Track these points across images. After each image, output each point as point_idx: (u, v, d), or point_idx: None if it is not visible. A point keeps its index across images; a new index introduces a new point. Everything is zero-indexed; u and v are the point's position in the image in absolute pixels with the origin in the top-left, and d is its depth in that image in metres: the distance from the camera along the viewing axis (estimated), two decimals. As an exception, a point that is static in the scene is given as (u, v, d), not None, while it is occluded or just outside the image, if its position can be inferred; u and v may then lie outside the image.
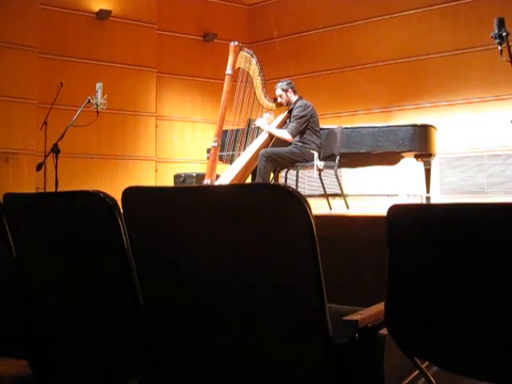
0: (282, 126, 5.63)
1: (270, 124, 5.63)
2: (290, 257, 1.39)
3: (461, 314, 1.33)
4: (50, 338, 1.96)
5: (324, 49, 10.05)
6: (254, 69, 5.64)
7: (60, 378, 2.00)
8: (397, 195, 8.40)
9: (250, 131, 5.71)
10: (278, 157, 5.33)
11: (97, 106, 6.35)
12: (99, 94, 6.38)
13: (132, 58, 9.63)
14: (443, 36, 8.84)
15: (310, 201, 1.39)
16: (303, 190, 8.19)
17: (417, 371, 1.48)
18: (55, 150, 5.94)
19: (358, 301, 1.70)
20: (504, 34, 4.44)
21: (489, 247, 1.27)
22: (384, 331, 1.45)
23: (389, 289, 1.42)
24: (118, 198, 1.64)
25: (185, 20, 10.33)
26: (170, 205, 1.60)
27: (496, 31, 4.48)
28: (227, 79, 5.53)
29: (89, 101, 6.34)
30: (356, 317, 1.45)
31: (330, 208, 5.67)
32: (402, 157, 6.31)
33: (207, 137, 9.34)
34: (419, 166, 6.41)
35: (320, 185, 5.62)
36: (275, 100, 5.69)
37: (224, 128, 5.65)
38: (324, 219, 3.93)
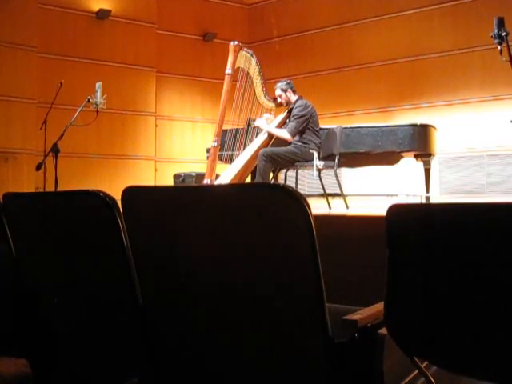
0: (281, 125, 5.63)
1: (269, 124, 5.63)
2: (289, 256, 1.39)
3: (460, 314, 1.33)
4: (49, 337, 1.96)
5: (323, 49, 10.05)
6: (253, 68, 5.63)
7: (60, 377, 2.00)
8: (396, 195, 8.40)
9: (250, 131, 5.71)
10: (278, 156, 5.33)
11: (96, 105, 6.35)
12: (99, 94, 6.38)
13: (132, 58, 9.63)
14: (442, 36, 8.84)
15: (310, 200, 1.39)
16: (303, 189, 8.19)
17: (416, 371, 1.48)
18: (55, 149, 5.94)
19: (357, 300, 1.71)
20: (503, 33, 4.44)
21: (488, 247, 1.27)
22: (383, 331, 1.45)
23: (388, 288, 1.42)
24: (118, 197, 1.64)
25: (184, 20, 10.33)
26: (170, 204, 1.61)
27: (495, 31, 4.47)
28: (227, 79, 5.53)
29: (88, 100, 6.34)
30: (355, 316, 1.45)
31: (330, 208, 5.67)
32: (402, 157, 6.31)
33: (207, 136, 9.35)
34: (419, 165, 6.41)
35: (319, 184, 5.62)
36: (275, 100, 5.69)
37: (224, 128, 5.65)
38: (323, 219, 3.93)
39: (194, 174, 8.13)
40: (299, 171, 6.09)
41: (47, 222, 1.88)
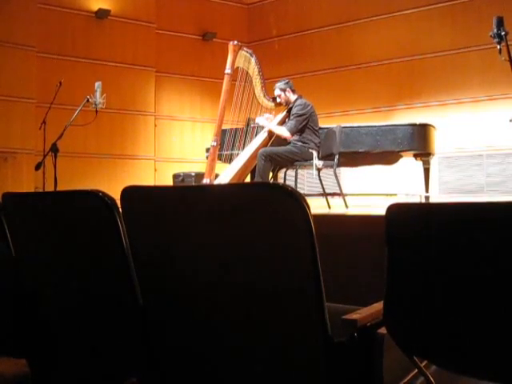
0: (281, 125, 5.63)
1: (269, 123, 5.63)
2: (288, 256, 1.39)
3: (460, 313, 1.33)
4: (49, 337, 1.96)
5: (323, 48, 10.05)
6: (253, 68, 5.64)
7: (59, 377, 2.00)
8: (396, 194, 8.41)
9: (249, 130, 5.71)
10: (277, 156, 5.33)
11: (96, 105, 6.35)
12: (98, 94, 6.39)
13: (131, 58, 9.63)
14: (442, 35, 8.84)
15: (309, 200, 1.39)
16: (302, 189, 8.19)
17: (416, 370, 1.48)
18: (54, 149, 5.94)
19: (356, 300, 1.71)
20: (503, 33, 4.44)
21: (488, 246, 1.27)
22: (383, 330, 1.45)
23: (387, 288, 1.42)
24: (117, 197, 1.64)
25: (184, 19, 10.33)
26: (169, 204, 1.61)
27: (495, 30, 4.48)
28: (226, 78, 5.53)
29: (88, 100, 6.35)
30: (355, 316, 1.45)
31: (329, 207, 5.68)
32: (401, 156, 6.31)
33: (206, 136, 9.35)
34: (418, 165, 6.41)
35: (319, 184, 5.62)
36: (274, 99, 5.69)
37: (223, 127, 5.66)
38: (323, 218, 3.93)
39: (193, 174, 8.13)
40: (298, 171, 6.09)
41: (46, 221, 1.88)
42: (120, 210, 1.63)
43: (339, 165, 5.57)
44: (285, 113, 5.71)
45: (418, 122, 6.17)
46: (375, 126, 6.12)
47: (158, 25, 9.96)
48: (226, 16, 10.76)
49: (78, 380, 1.95)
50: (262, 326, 1.48)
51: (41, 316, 1.97)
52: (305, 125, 5.47)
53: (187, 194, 1.61)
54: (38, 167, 5.98)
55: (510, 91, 8.02)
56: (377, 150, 6.06)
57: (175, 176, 8.35)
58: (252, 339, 1.52)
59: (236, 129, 5.84)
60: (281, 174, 6.19)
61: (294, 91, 5.69)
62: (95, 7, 9.32)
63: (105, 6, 9.35)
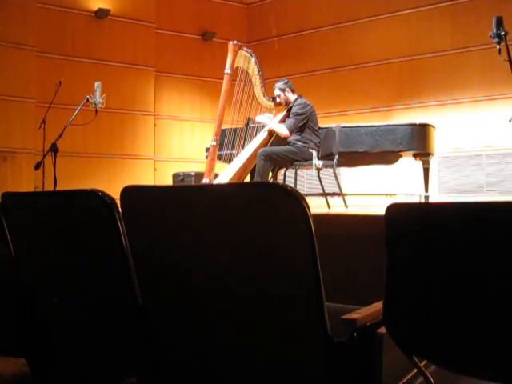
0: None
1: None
2: (288, 256, 1.39)
3: (459, 313, 1.33)
4: (48, 336, 1.96)
5: (322, 48, 10.05)
6: (252, 68, 5.64)
7: (59, 377, 2.00)
8: (395, 194, 8.41)
9: (249, 130, 5.71)
10: (277, 156, 5.33)
11: (95, 105, 6.35)
12: (98, 93, 6.38)
13: (130, 57, 9.63)
14: (441, 35, 8.84)
15: (309, 200, 1.39)
16: (302, 188, 8.19)
17: (415, 370, 1.48)
18: (54, 149, 5.94)
19: (356, 300, 1.71)
20: (502, 33, 4.45)
21: (487, 246, 1.27)
22: (382, 330, 1.45)
23: (387, 287, 1.42)
24: (117, 197, 1.64)
25: (183, 19, 10.33)
26: (169, 204, 1.61)
27: (494, 30, 4.48)
28: (226, 78, 5.53)
29: (87, 100, 6.34)
30: (354, 316, 1.45)
31: (329, 207, 5.67)
32: (401, 156, 6.31)
33: (206, 136, 9.35)
34: (418, 165, 6.41)
35: (318, 184, 5.62)
36: (274, 99, 5.69)
37: (223, 127, 5.65)
38: (322, 218, 3.93)
39: (193, 174, 8.12)
40: (298, 170, 6.09)
41: (46, 221, 1.88)
42: (120, 209, 1.63)
43: (339, 165, 5.57)
44: (284, 112, 5.71)
45: (417, 122, 6.17)
46: (375, 126, 6.12)
47: (157, 24, 9.96)
48: (225, 16, 10.76)
49: (78, 379, 1.96)
50: (262, 325, 1.48)
51: (40, 315, 1.97)
52: (304, 124, 5.47)
53: (187, 193, 1.61)
54: (37, 167, 5.98)
55: (510, 91, 8.02)
56: (376, 150, 6.06)
57: (175, 176, 8.35)
58: (252, 339, 1.52)
59: (236, 128, 5.84)
60: (280, 174, 6.19)
61: (293, 91, 5.69)
62: (95, 7, 9.32)
63: (104, 6, 9.35)
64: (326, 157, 5.47)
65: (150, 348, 1.68)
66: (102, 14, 9.32)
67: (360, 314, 1.47)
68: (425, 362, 1.45)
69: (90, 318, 1.83)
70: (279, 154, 5.34)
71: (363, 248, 3.09)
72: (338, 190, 5.69)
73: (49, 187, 6.20)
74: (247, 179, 5.66)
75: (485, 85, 8.35)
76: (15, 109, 8.37)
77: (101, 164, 9.23)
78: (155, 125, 9.97)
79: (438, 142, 6.55)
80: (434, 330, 1.38)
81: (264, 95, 5.66)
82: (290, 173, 6.20)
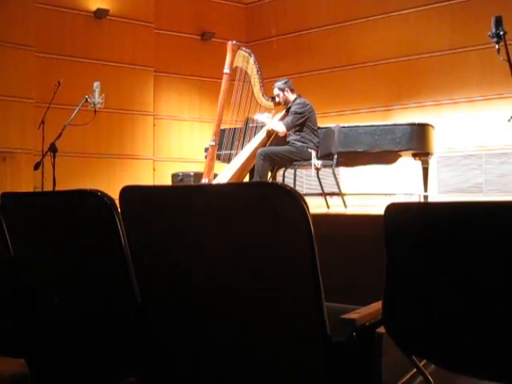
0: (279, 124, 5.64)
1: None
2: (287, 255, 1.39)
3: (458, 312, 1.33)
4: (47, 336, 1.96)
5: (321, 48, 10.05)
6: (251, 68, 5.63)
7: (58, 377, 2.00)
8: (394, 194, 8.41)
9: (248, 130, 5.71)
10: (276, 156, 5.33)
11: (94, 105, 6.35)
12: (97, 93, 6.38)
13: (129, 57, 9.62)
14: (440, 35, 8.84)
15: (308, 199, 1.39)
16: (301, 188, 8.19)
17: (414, 369, 1.48)
18: (53, 149, 5.94)
19: (356, 299, 1.71)
20: (501, 32, 4.45)
21: (486, 246, 1.27)
22: (382, 329, 1.45)
23: (386, 287, 1.42)
24: (116, 197, 1.64)
25: (182, 19, 10.33)
26: (168, 204, 1.61)
27: (493, 30, 4.48)
28: (225, 78, 5.53)
29: (86, 100, 6.35)
30: (354, 315, 1.45)
31: (328, 207, 5.67)
32: (400, 156, 6.31)
33: (205, 136, 9.34)
34: (417, 164, 6.41)
35: (318, 184, 5.62)
36: (273, 99, 5.69)
37: (222, 127, 5.65)
38: (322, 218, 3.93)
39: (192, 174, 8.12)
40: (297, 170, 6.09)
41: (45, 221, 1.88)
42: (119, 209, 1.63)
43: (338, 164, 5.57)
44: (284, 112, 5.71)
45: (416, 122, 6.17)
46: (374, 126, 6.12)
47: (156, 24, 9.95)
48: (224, 16, 10.75)
49: (77, 379, 1.95)
50: (262, 325, 1.48)
51: (39, 315, 1.97)
52: (303, 124, 5.47)
53: (186, 193, 1.61)
54: (36, 167, 5.98)
55: (508, 91, 8.02)
56: (375, 150, 6.06)
57: (174, 176, 8.34)
58: (251, 339, 1.52)
59: (235, 128, 5.84)
60: (279, 174, 6.19)
61: (292, 91, 5.69)
62: (94, 7, 9.32)
63: (103, 6, 9.34)
64: (325, 157, 5.47)
65: (149, 348, 1.68)
66: (100, 14, 9.31)
67: (359, 313, 1.47)
68: (424, 361, 1.45)
69: (89, 318, 1.83)
70: (278, 154, 5.34)
71: (362, 248, 3.09)
72: (337, 190, 5.69)
73: (48, 187, 6.20)
74: (246, 179, 5.66)
75: (484, 85, 8.35)
76: (14, 109, 8.37)
77: (100, 164, 9.23)
78: (154, 125, 9.97)
79: (438, 142, 6.55)
80: (434, 330, 1.38)
81: (263, 95, 5.66)
82: (289, 173, 6.20)
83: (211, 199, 1.53)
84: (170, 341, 1.68)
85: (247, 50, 5.68)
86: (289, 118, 5.48)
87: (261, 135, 5.60)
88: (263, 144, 5.52)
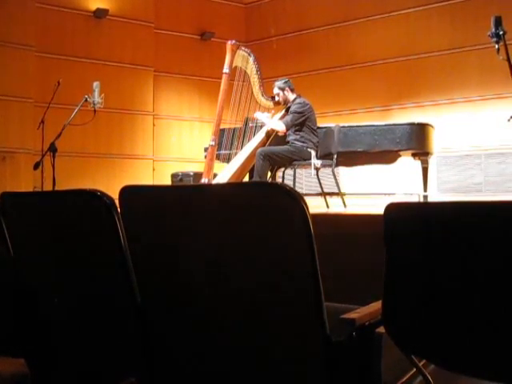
0: (278, 123, 5.64)
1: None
2: (287, 255, 1.39)
3: (458, 312, 1.33)
4: (47, 336, 1.96)
5: (321, 47, 10.05)
6: (251, 67, 5.64)
7: (58, 376, 2.00)
8: (394, 194, 8.41)
9: (248, 130, 5.71)
10: (276, 155, 5.34)
11: (94, 104, 6.35)
12: (96, 93, 6.39)
13: (129, 57, 9.62)
14: (440, 35, 8.84)
15: (308, 199, 1.39)
16: (300, 188, 8.18)
17: (414, 369, 1.48)
18: (52, 148, 5.94)
19: (355, 299, 1.71)
20: (501, 32, 4.45)
21: (486, 245, 1.27)
22: (381, 329, 1.45)
23: (386, 287, 1.42)
24: (116, 196, 1.64)
25: (182, 19, 10.32)
26: (168, 204, 1.61)
27: (493, 30, 4.48)
28: (224, 78, 5.53)
29: (86, 100, 6.35)
30: (353, 315, 1.45)
31: (328, 206, 5.67)
32: (400, 155, 6.31)
33: (204, 136, 9.34)
34: (417, 164, 6.41)
35: (317, 183, 5.62)
36: (272, 98, 5.70)
37: (221, 127, 5.65)
38: (321, 218, 3.93)
39: (191, 174, 8.12)
40: (297, 170, 6.09)
41: (45, 221, 1.88)
42: (118, 209, 1.63)
43: (337, 164, 5.58)
44: (283, 112, 5.71)
45: (416, 122, 6.17)
46: (373, 126, 6.12)
47: (156, 24, 9.95)
48: (224, 16, 10.75)
49: (77, 379, 1.95)
50: (261, 325, 1.48)
51: (39, 315, 1.97)
52: (303, 123, 5.47)
53: (186, 193, 1.61)
54: (36, 167, 5.98)
55: (508, 91, 8.02)
56: (375, 150, 6.06)
57: (174, 175, 8.34)
58: (251, 339, 1.52)
59: (234, 128, 5.84)
60: (279, 174, 6.19)
61: (292, 90, 5.69)
62: (93, 7, 9.31)
63: (103, 6, 9.34)
64: (325, 156, 5.48)
65: (149, 348, 1.68)
66: (100, 13, 9.31)
67: (359, 313, 1.47)
68: (424, 361, 1.45)
69: (89, 318, 1.83)
70: (278, 154, 5.34)
71: (362, 247, 3.09)
72: (336, 190, 5.70)
73: (47, 187, 6.20)
74: (246, 179, 5.66)
75: (484, 84, 8.35)
76: (14, 109, 8.36)
77: (99, 164, 9.23)
78: (154, 125, 9.97)
79: (437, 142, 6.55)
80: (433, 330, 1.38)
81: (262, 95, 5.66)
82: (289, 172, 6.20)
83: (211, 199, 1.53)
84: (170, 341, 1.68)
85: (247, 50, 5.68)
86: (288, 117, 5.48)
87: (260, 135, 5.60)
88: (263, 144, 5.52)
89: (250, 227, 1.44)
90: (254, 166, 5.35)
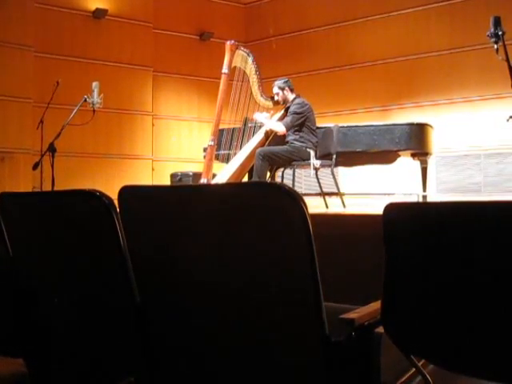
0: (278, 124, 5.64)
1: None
2: (286, 255, 1.39)
3: (457, 312, 1.33)
4: (46, 336, 1.96)
5: (320, 48, 10.05)
6: (250, 67, 5.64)
7: (57, 376, 2.00)
8: (393, 194, 8.41)
9: (247, 130, 5.71)
10: (275, 155, 5.34)
11: (93, 105, 6.35)
12: (95, 93, 6.38)
13: (128, 57, 9.62)
14: (439, 35, 8.84)
15: (307, 199, 1.39)
16: (300, 188, 8.19)
17: (413, 369, 1.48)
18: (51, 149, 5.94)
19: (354, 299, 1.71)
20: (500, 32, 4.44)
21: (485, 245, 1.27)
22: (380, 329, 1.45)
23: (385, 287, 1.42)
24: (115, 196, 1.64)
25: (181, 19, 10.32)
26: (167, 204, 1.60)
27: (492, 30, 4.47)
28: (223, 78, 5.53)
29: (85, 100, 6.34)
30: (352, 315, 1.45)
31: (327, 207, 5.67)
32: (399, 155, 6.32)
33: (204, 136, 9.33)
34: (416, 164, 6.41)
35: (316, 183, 5.62)
36: (272, 98, 5.70)
37: (220, 127, 5.65)
38: (320, 218, 3.93)
39: (191, 174, 8.12)
40: (296, 170, 6.09)
41: (44, 221, 1.88)
42: (118, 209, 1.63)
43: (337, 164, 5.57)
44: (282, 111, 5.71)
45: (415, 122, 6.18)
46: (373, 126, 6.12)
47: (155, 24, 9.95)
48: (223, 16, 10.75)
49: (76, 379, 1.95)
50: (261, 325, 1.48)
51: (39, 315, 1.96)
52: (302, 123, 5.47)
53: (185, 193, 1.61)
54: (35, 167, 5.98)
55: (507, 91, 8.01)
56: (374, 150, 6.06)
57: (173, 175, 8.34)
58: (250, 339, 1.52)
59: (233, 128, 5.84)
60: (278, 174, 6.19)
61: (292, 90, 5.69)
62: (92, 7, 9.31)
63: (102, 6, 9.33)
64: (324, 156, 5.48)
65: (149, 348, 1.68)
66: (99, 14, 9.31)
67: (358, 313, 1.47)
68: (423, 361, 1.45)
69: (88, 318, 1.83)
70: (277, 154, 5.34)
71: (361, 247, 3.09)
72: (336, 190, 5.70)
73: (47, 187, 6.20)
74: (245, 179, 5.66)
75: (483, 84, 8.35)
76: (13, 109, 8.36)
77: (99, 164, 9.22)
78: (153, 125, 9.97)
79: (436, 142, 6.55)
80: (432, 330, 1.38)
81: (261, 95, 5.66)
82: (288, 173, 6.20)
83: (210, 199, 1.53)
84: (170, 341, 1.68)
85: (246, 50, 5.68)
86: (288, 118, 5.48)
87: (259, 135, 5.60)
88: (262, 144, 5.52)
89: (250, 227, 1.44)
90: (253, 166, 5.35)
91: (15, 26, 8.43)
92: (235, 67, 5.64)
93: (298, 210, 1.33)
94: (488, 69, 7.95)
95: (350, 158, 6.28)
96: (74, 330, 1.89)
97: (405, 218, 1.41)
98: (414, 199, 7.16)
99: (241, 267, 1.47)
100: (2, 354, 2.03)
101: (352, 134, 6.08)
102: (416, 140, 6.02)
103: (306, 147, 5.41)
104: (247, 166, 5.47)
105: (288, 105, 5.64)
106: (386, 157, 6.34)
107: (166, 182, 8.55)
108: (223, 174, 5.44)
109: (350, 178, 8.66)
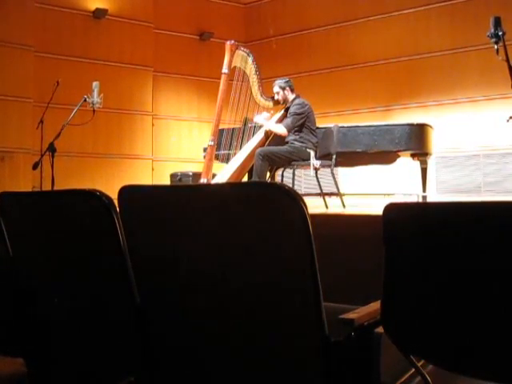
0: (278, 123, 5.63)
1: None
2: (286, 255, 1.39)
3: (457, 312, 1.33)
4: (46, 336, 1.96)
5: (321, 48, 10.04)
6: (250, 67, 5.63)
7: (56, 376, 2.00)
8: (393, 194, 8.41)
9: (247, 130, 5.71)
10: (275, 156, 5.33)
11: (93, 104, 6.34)
12: (95, 93, 6.38)
13: (128, 57, 9.62)
14: (440, 35, 8.84)
15: (307, 199, 1.39)
16: (300, 188, 8.19)
17: (413, 369, 1.48)
18: (51, 148, 5.94)
19: (354, 299, 1.71)
20: (500, 33, 4.44)
21: (485, 246, 1.27)
22: (380, 329, 1.45)
23: (385, 287, 1.42)
24: (115, 196, 1.64)
25: (181, 19, 10.32)
26: (167, 203, 1.60)
27: (492, 30, 4.47)
28: (223, 78, 5.53)
29: (85, 100, 6.34)
30: (352, 315, 1.45)
31: (327, 207, 5.67)
32: (399, 156, 6.32)
33: (203, 136, 9.34)
34: (415, 165, 6.42)
35: (316, 184, 5.62)
36: (272, 98, 5.70)
37: (220, 127, 5.65)
38: (320, 218, 3.93)
39: (190, 174, 8.11)
40: (296, 170, 6.09)
41: (44, 221, 1.88)
42: (117, 209, 1.63)
43: (337, 164, 5.57)
44: (282, 111, 5.71)
45: (415, 122, 6.18)
46: (373, 126, 6.12)
47: (155, 24, 9.95)
48: (223, 16, 10.75)
49: (76, 379, 1.95)
50: (260, 325, 1.48)
51: (38, 315, 1.96)
52: (302, 124, 5.47)
53: (185, 193, 1.61)
54: (35, 167, 5.98)
55: (508, 91, 8.01)
56: (374, 150, 6.07)
57: (173, 175, 8.34)
58: (250, 339, 1.52)
59: (233, 128, 5.84)
60: (278, 174, 6.19)
61: (292, 90, 5.69)
62: (93, 7, 9.31)
63: (102, 6, 9.33)
64: (324, 157, 5.48)
65: (148, 348, 1.68)
66: (99, 13, 9.31)
67: (358, 313, 1.47)
68: (422, 361, 1.45)
69: (88, 318, 1.83)
70: (277, 154, 5.34)
71: (361, 248, 3.09)
72: (335, 190, 5.70)
73: (46, 187, 6.19)
74: (245, 179, 5.66)
75: (483, 85, 8.35)
76: (13, 108, 8.36)
77: (98, 164, 9.22)
78: (153, 125, 9.97)
79: (436, 142, 6.55)
80: (432, 330, 1.38)
81: (261, 95, 5.66)
82: (288, 173, 6.20)
83: (210, 199, 1.53)
84: (170, 341, 1.68)
85: (246, 50, 5.68)
86: (289, 120, 5.48)
87: (259, 135, 5.60)
88: (262, 144, 5.52)
89: (249, 227, 1.44)
90: (253, 166, 5.35)
91: (15, 26, 8.43)
92: (235, 67, 5.63)
93: (297, 210, 1.33)
94: (489, 69, 7.95)
95: (349, 159, 6.28)
96: (74, 329, 1.89)
97: (405, 219, 1.41)
98: (413, 199, 7.16)
99: (241, 267, 1.47)
100: (1, 353, 2.03)
101: (352, 135, 6.08)
102: (416, 140, 6.02)
103: (306, 147, 5.41)
104: (247, 166, 5.47)
105: (288, 105, 5.64)
106: (385, 157, 6.34)
107: (166, 181, 8.54)
108: (223, 174, 5.44)
109: (350, 178, 8.66)
